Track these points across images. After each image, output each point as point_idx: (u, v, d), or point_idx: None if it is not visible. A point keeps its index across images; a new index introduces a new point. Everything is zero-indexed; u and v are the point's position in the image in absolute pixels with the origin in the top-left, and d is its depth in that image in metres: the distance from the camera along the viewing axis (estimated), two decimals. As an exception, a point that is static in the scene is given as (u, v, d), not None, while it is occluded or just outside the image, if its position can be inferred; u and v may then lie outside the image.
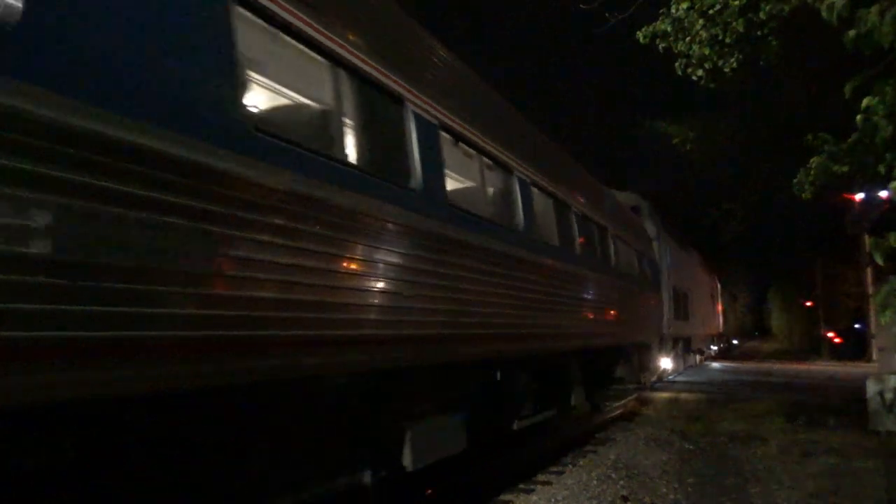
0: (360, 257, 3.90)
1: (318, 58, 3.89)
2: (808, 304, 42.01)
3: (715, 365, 27.16)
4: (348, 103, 4.21)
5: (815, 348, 35.30)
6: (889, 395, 9.28)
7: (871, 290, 25.35)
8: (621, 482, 6.48)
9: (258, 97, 4.49)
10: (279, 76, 4.34)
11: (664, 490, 6.23)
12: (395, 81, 4.49)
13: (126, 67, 2.52)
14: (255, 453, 3.51)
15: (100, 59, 2.42)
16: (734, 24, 7.23)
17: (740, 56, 7.52)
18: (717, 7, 7.18)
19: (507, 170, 6.38)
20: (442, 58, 5.52)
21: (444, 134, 5.12)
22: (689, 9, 7.31)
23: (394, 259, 4.20)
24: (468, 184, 6.42)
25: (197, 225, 2.73)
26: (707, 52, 7.45)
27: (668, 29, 7.46)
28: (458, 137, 5.45)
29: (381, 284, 4.07)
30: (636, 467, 7.17)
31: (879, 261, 4.67)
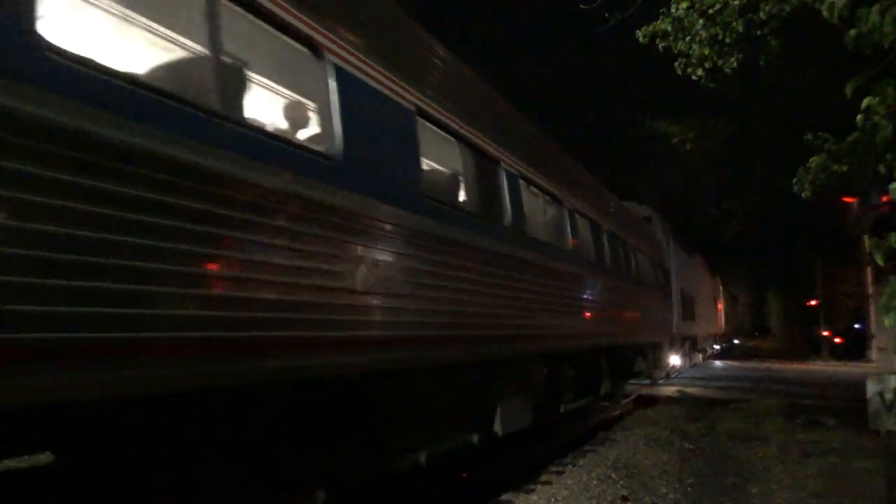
0: (482, 283, 5.56)
1: (453, 139, 5.67)
2: (809, 304, 42.01)
3: (717, 364, 27.29)
4: (467, 169, 6.02)
5: (815, 348, 35.29)
6: (889, 395, 9.25)
7: (871, 290, 25.37)
8: (621, 482, 6.48)
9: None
10: (430, 155, 5.77)
11: (664, 490, 6.23)
12: (494, 149, 6.23)
13: (392, 173, 4.41)
14: (419, 418, 5.14)
15: (392, 173, 4.42)
16: (734, 23, 7.23)
17: (740, 56, 7.51)
18: (717, 7, 7.18)
19: (560, 204, 8.11)
20: (525, 126, 7.65)
21: (523, 182, 6.84)
22: (689, 8, 7.31)
23: (500, 283, 5.94)
24: (546, 222, 7.92)
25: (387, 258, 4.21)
26: (707, 51, 7.45)
27: (668, 29, 7.46)
28: (531, 184, 7.20)
29: (496, 303, 5.82)
30: (636, 467, 7.17)
31: (879, 261, 4.66)
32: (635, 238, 12.27)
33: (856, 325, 33.53)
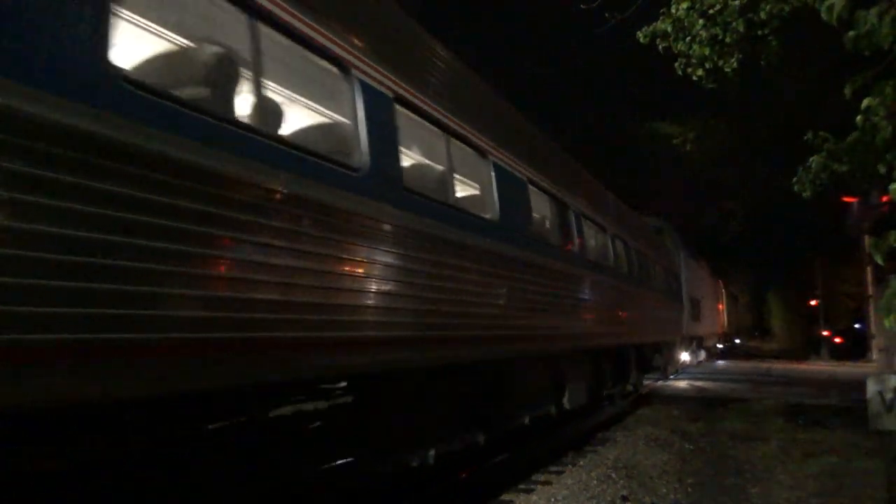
0: (553, 297, 7.23)
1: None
2: (809, 304, 42.02)
3: (719, 363, 27.45)
4: (549, 217, 7.90)
5: (815, 348, 35.30)
6: (889, 395, 9.28)
7: (871, 290, 25.36)
8: (621, 482, 6.48)
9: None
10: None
11: (664, 490, 6.24)
12: (561, 194, 8.08)
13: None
14: (523, 394, 7.14)
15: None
16: (734, 23, 7.23)
17: (740, 56, 7.51)
18: (718, 7, 7.18)
19: (605, 231, 9.96)
20: (580, 169, 9.61)
21: (585, 220, 8.75)
22: (689, 9, 7.31)
23: (564, 296, 7.73)
24: (596, 246, 9.63)
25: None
26: (707, 52, 7.44)
27: (669, 29, 7.46)
28: (587, 219, 9.02)
29: (562, 312, 7.68)
30: (636, 467, 7.17)
31: (879, 261, 4.67)
32: (654, 251, 14.44)
33: (856, 325, 33.56)
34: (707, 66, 7.59)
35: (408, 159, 5.39)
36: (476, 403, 5.97)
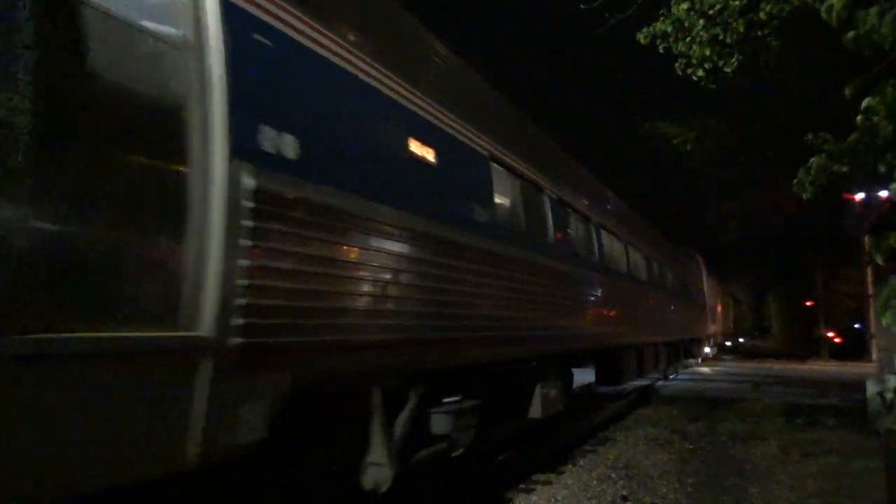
0: (642, 307, 12.24)
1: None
2: (808, 303, 42.00)
3: (717, 367, 27.63)
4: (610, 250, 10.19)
5: (815, 348, 35.29)
6: (889, 395, 9.27)
7: (871, 290, 25.35)
8: (621, 482, 6.49)
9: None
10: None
11: (664, 490, 6.24)
12: (624, 234, 11.63)
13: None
14: (632, 366, 11.58)
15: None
16: (734, 24, 7.23)
17: (740, 56, 7.51)
18: (718, 7, 7.18)
19: (661, 265, 14.41)
20: (638, 219, 14.07)
21: (654, 260, 13.36)
22: (689, 9, 7.31)
23: (650, 307, 12.88)
24: (662, 275, 14.62)
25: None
26: (707, 52, 7.44)
27: (669, 30, 7.46)
28: (655, 260, 13.66)
29: (649, 317, 12.95)
30: (636, 467, 7.18)
31: (880, 261, 4.67)
32: (688, 274, 20.09)
33: (856, 325, 33.53)
34: (707, 66, 7.59)
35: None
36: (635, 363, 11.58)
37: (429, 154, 4.52)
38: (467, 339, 4.91)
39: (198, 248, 2.56)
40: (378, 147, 4.01)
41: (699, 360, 24.41)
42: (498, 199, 5.74)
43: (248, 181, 2.73)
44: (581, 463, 7.45)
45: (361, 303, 3.64)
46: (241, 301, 2.69)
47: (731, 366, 26.72)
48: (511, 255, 5.71)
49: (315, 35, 3.44)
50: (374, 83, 3.97)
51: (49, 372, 2.05)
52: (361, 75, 3.85)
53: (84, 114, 2.26)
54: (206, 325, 2.56)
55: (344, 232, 3.46)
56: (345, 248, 3.49)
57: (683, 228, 26.83)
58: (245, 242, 2.72)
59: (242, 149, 2.74)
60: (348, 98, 3.73)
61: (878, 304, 4.52)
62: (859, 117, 4.59)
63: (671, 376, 17.99)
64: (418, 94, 4.53)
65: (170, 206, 2.53)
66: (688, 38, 7.48)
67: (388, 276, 3.82)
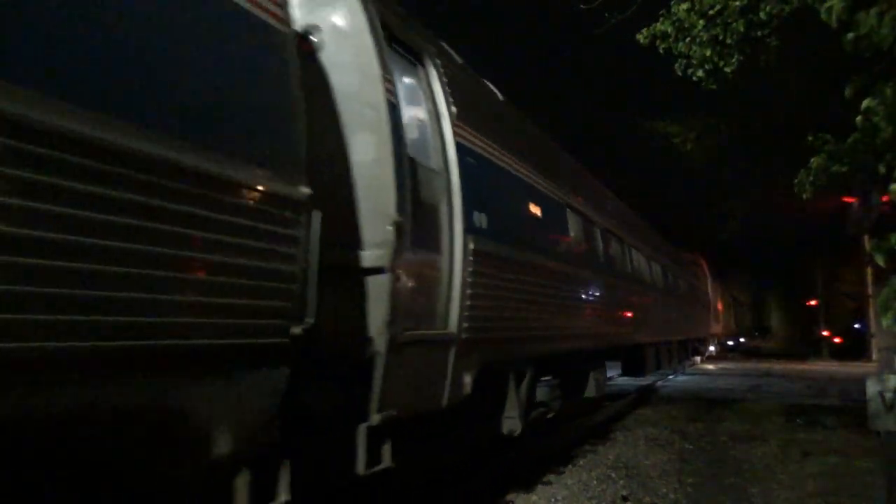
0: (669, 312, 15.57)
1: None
2: (808, 304, 42.00)
3: (719, 365, 27.76)
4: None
5: (815, 348, 35.29)
6: (889, 395, 9.25)
7: (871, 290, 25.39)
8: (621, 482, 6.49)
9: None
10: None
11: (664, 490, 6.25)
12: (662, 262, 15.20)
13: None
14: (660, 356, 14.58)
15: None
16: (734, 24, 7.24)
17: (740, 57, 7.52)
18: (718, 7, 7.19)
19: (676, 275, 17.19)
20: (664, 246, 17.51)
21: (671, 273, 16.39)
22: (689, 10, 7.31)
23: (673, 312, 16.19)
24: (676, 282, 17.45)
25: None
26: (708, 52, 7.45)
27: (669, 30, 7.46)
28: (674, 274, 17.14)
29: (670, 319, 15.73)
30: (636, 467, 7.19)
31: (880, 262, 4.67)
32: (695, 279, 22.45)
33: (856, 325, 33.55)
34: (707, 66, 7.60)
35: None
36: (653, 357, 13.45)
37: (541, 211, 6.58)
38: (556, 337, 6.95)
39: (449, 282, 4.47)
40: (525, 215, 6.21)
41: (704, 356, 26.61)
42: (571, 234, 7.67)
43: (471, 244, 4.62)
44: (581, 463, 7.46)
45: (517, 314, 5.71)
46: (466, 313, 4.52)
47: (732, 365, 27.16)
48: (580, 274, 7.84)
49: (493, 150, 5.48)
50: (524, 176, 6.24)
51: (414, 350, 4.00)
52: (516, 172, 6.05)
53: (420, 211, 4.21)
54: (452, 326, 4.46)
55: (513, 271, 5.51)
56: (512, 280, 5.49)
57: (683, 228, 26.82)
58: (469, 279, 4.56)
59: (470, 227, 4.64)
60: (513, 188, 5.99)
61: (879, 305, 4.52)
62: (859, 118, 4.59)
63: (680, 371, 20.51)
64: (542, 176, 6.79)
65: (441, 259, 4.45)
66: (688, 39, 7.49)
67: (529, 296, 5.95)
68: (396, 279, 3.69)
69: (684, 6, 7.35)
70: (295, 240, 2.87)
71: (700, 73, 7.67)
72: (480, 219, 4.82)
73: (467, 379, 4.64)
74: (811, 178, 6.32)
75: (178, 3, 2.44)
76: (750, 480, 6.65)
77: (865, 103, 4.44)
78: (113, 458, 2.27)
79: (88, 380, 1.99)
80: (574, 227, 7.73)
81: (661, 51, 7.67)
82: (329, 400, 3.56)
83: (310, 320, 3.04)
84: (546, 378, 7.04)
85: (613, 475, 6.77)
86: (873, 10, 3.91)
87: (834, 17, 4.09)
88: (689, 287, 19.87)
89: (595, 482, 6.48)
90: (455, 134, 4.72)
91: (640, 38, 7.72)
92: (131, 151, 2.06)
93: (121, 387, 2.11)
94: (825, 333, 35.97)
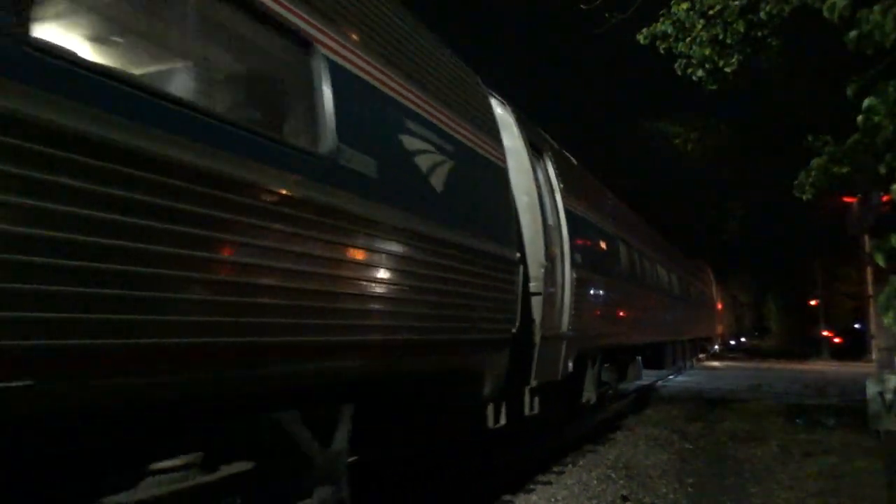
0: (688, 316, 19.18)
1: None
2: (808, 304, 42.00)
3: (726, 359, 28.33)
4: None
5: (815, 348, 35.29)
6: (889, 395, 9.24)
7: (871, 290, 25.36)
8: (621, 482, 6.48)
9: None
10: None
11: (664, 490, 6.23)
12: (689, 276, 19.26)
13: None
14: (676, 352, 18.06)
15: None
16: (735, 24, 7.22)
17: (741, 57, 7.50)
18: (718, 7, 7.17)
19: (689, 282, 19.77)
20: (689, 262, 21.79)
21: (687, 282, 19.84)
22: (689, 10, 7.29)
23: (685, 315, 18.80)
24: (688, 287, 20.00)
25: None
26: (708, 52, 7.43)
27: (669, 30, 7.44)
28: (690, 283, 20.56)
29: (684, 319, 18.49)
30: (636, 467, 7.17)
31: (881, 262, 4.65)
32: (703, 284, 24.79)
33: (856, 325, 33.55)
34: (707, 66, 7.58)
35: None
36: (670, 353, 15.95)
37: (605, 245, 9.00)
38: (613, 334, 9.26)
39: (562, 297, 6.72)
40: (598, 250, 8.57)
41: (709, 353, 29.68)
42: (621, 259, 9.94)
43: (574, 275, 6.91)
44: (581, 463, 7.45)
45: (596, 318, 8.18)
46: (571, 320, 6.77)
47: (734, 364, 27.86)
48: (626, 287, 10.15)
49: (581, 208, 7.81)
50: (595, 222, 8.62)
51: (549, 342, 6.24)
52: (592, 220, 8.39)
53: (549, 255, 6.40)
54: (564, 327, 6.74)
55: (594, 289, 8.02)
56: (593, 296, 7.98)
57: (683, 229, 26.86)
58: (574, 297, 6.85)
59: (573, 263, 6.92)
60: (591, 231, 8.30)
61: (879, 305, 4.51)
62: (860, 117, 4.58)
63: (688, 367, 22.99)
64: (603, 218, 9.20)
65: (559, 285, 6.66)
66: (688, 39, 7.47)
67: (602, 306, 8.53)
68: (543, 299, 5.95)
69: (684, 6, 7.33)
70: (515, 282, 5.26)
71: (700, 73, 7.65)
72: (577, 257, 7.08)
73: (570, 363, 6.94)
74: (811, 180, 6.31)
75: (473, 163, 4.86)
76: (750, 480, 6.64)
77: (867, 102, 4.42)
78: (450, 393, 4.82)
79: (447, 353, 4.41)
80: (622, 253, 10.11)
81: (661, 51, 7.65)
82: (514, 370, 5.46)
83: (517, 324, 5.25)
84: (606, 364, 9.70)
85: (613, 475, 6.76)
86: (877, 7, 3.89)
87: (836, 13, 4.07)
88: (699, 292, 22.39)
89: (595, 482, 6.47)
90: (564, 201, 7.06)
91: (640, 38, 7.70)
92: (459, 244, 4.39)
93: (455, 357, 4.56)
94: (825, 333, 35.97)
